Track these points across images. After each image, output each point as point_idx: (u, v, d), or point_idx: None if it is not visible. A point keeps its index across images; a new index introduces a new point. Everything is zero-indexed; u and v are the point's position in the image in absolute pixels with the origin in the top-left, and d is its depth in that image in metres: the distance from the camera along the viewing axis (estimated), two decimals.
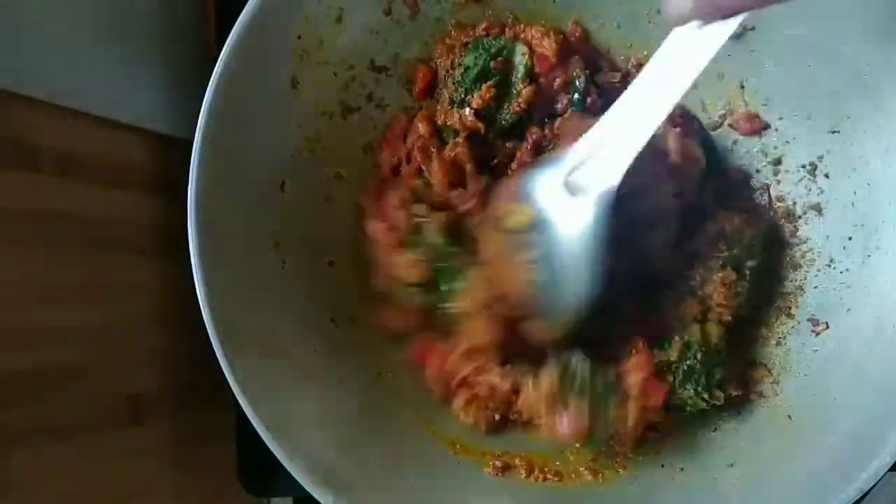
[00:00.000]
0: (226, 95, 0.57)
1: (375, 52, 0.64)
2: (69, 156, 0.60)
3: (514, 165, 0.64)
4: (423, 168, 0.64)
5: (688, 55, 0.47)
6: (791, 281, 0.62)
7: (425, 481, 0.59)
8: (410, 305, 0.61)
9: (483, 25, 0.64)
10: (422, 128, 0.64)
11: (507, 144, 0.64)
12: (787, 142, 0.63)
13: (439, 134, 0.64)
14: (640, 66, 0.66)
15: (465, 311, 0.59)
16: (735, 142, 0.65)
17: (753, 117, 0.63)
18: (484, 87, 0.61)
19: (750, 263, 0.59)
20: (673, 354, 0.58)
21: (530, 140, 0.63)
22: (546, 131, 0.63)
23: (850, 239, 0.59)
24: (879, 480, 0.50)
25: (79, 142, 0.61)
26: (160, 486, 0.68)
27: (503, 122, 0.63)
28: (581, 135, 0.53)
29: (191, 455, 0.72)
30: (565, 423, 0.56)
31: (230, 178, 0.58)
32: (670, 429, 0.61)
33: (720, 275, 0.59)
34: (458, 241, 0.60)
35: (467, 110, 0.61)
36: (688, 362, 0.58)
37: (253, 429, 0.54)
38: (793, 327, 0.61)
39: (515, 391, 0.60)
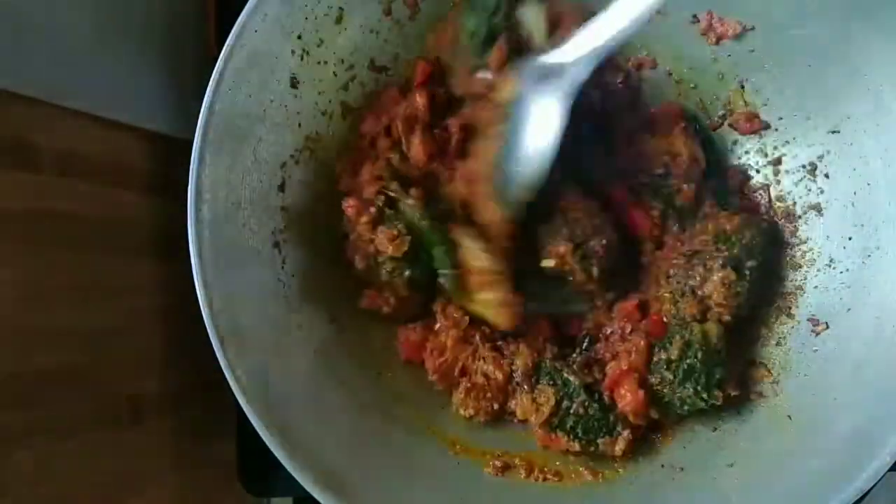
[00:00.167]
0: (226, 95, 0.57)
1: (375, 52, 0.64)
2: (69, 156, 0.60)
3: None
4: (403, 139, 0.64)
5: None
6: (791, 281, 0.62)
7: (425, 481, 0.59)
8: (393, 284, 0.62)
9: None
10: (419, 101, 0.63)
11: None
12: (787, 142, 0.63)
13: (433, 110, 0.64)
14: (640, 66, 0.66)
15: (469, 191, 0.62)
16: (735, 142, 0.65)
17: (753, 117, 0.63)
18: (495, 47, 0.60)
19: (750, 263, 0.59)
20: (673, 353, 0.58)
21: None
22: None
23: (850, 239, 0.59)
24: (879, 480, 0.49)
25: (79, 142, 0.61)
26: (160, 486, 0.68)
27: None
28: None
29: (191, 455, 0.72)
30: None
31: (230, 178, 0.58)
32: (670, 429, 0.61)
33: (720, 275, 0.59)
34: (434, 215, 0.62)
35: (484, 73, 0.60)
36: (688, 361, 0.58)
37: (253, 429, 0.54)
38: (793, 327, 0.61)
39: (509, 382, 0.62)
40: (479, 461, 0.61)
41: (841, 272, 0.60)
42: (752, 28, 0.61)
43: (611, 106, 0.65)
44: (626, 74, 0.65)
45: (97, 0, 0.63)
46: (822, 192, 0.61)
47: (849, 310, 0.58)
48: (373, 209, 0.61)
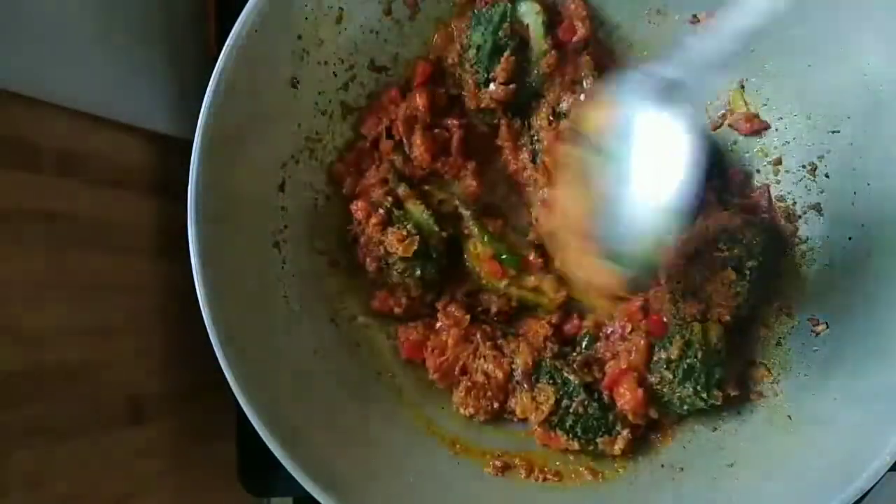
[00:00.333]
0: (226, 95, 0.57)
1: (375, 52, 0.64)
2: (69, 156, 0.60)
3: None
4: (405, 140, 0.64)
5: None
6: (791, 281, 0.62)
7: (425, 481, 0.59)
8: (405, 285, 0.62)
9: None
10: (420, 101, 0.64)
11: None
12: (786, 142, 0.63)
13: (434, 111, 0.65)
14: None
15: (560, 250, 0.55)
16: (735, 142, 0.65)
17: (753, 117, 0.63)
18: (502, 59, 0.61)
19: (750, 263, 0.59)
20: (673, 353, 0.58)
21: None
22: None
23: (850, 239, 0.59)
24: (879, 480, 0.49)
25: (79, 142, 0.61)
26: (160, 486, 0.68)
27: (532, 85, 0.63)
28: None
29: (191, 455, 0.72)
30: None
31: (230, 178, 0.58)
32: (670, 429, 0.61)
33: (720, 275, 0.59)
34: (440, 214, 0.63)
35: (493, 86, 0.61)
36: (688, 361, 0.58)
37: (253, 429, 0.55)
38: (793, 327, 0.61)
39: (509, 380, 0.62)
40: (479, 461, 0.61)
41: (841, 272, 0.60)
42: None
43: None
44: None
45: (98, 0, 0.63)
46: (822, 192, 0.61)
47: (849, 310, 0.58)
48: (381, 211, 0.61)
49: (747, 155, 0.65)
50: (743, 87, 0.63)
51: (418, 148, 0.63)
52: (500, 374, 0.62)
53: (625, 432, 0.59)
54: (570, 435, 0.59)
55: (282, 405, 0.57)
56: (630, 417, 0.59)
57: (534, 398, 0.60)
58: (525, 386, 0.61)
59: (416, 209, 0.62)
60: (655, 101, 0.45)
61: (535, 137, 0.63)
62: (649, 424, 0.60)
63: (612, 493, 0.59)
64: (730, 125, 0.64)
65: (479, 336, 0.63)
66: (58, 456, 0.56)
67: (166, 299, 0.69)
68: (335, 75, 0.64)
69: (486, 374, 0.62)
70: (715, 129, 0.65)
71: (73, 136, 0.61)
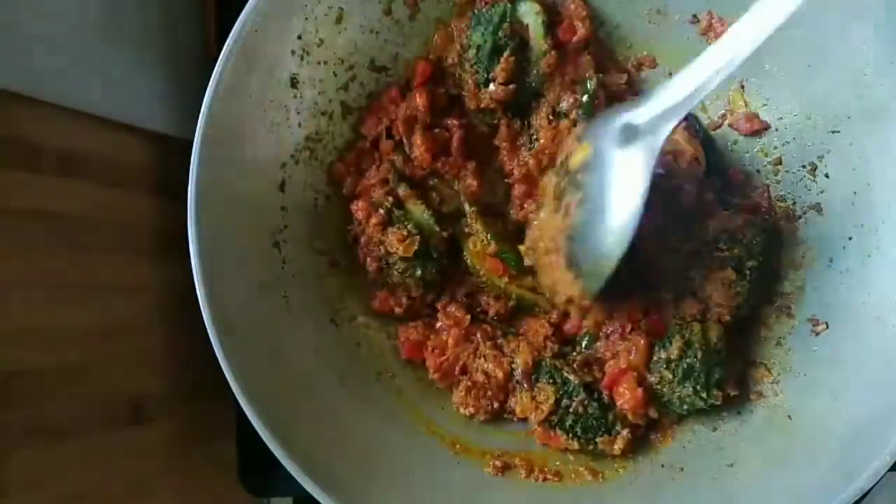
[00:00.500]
0: (226, 95, 0.57)
1: (375, 52, 0.64)
2: (69, 156, 0.60)
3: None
4: (405, 140, 0.64)
5: (756, 18, 0.47)
6: (791, 281, 0.62)
7: (425, 481, 0.59)
8: (405, 285, 0.62)
9: None
10: (420, 101, 0.64)
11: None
12: (786, 142, 0.63)
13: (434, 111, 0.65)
14: (640, 66, 0.66)
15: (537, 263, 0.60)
16: (735, 142, 0.65)
17: (753, 117, 0.63)
18: (502, 60, 0.61)
19: (750, 263, 0.59)
20: (673, 352, 0.58)
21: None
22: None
23: (850, 239, 0.59)
24: (879, 480, 0.49)
25: (79, 142, 0.61)
26: (160, 486, 0.68)
27: (532, 85, 0.63)
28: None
29: (191, 455, 0.72)
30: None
31: (230, 178, 0.58)
32: (670, 429, 0.61)
33: (720, 275, 0.59)
34: (440, 214, 0.63)
35: (492, 86, 0.61)
36: (687, 360, 0.58)
37: (253, 429, 0.54)
38: (793, 327, 0.61)
39: (509, 380, 0.62)
40: (479, 461, 0.61)
41: (841, 272, 0.60)
42: None
43: None
44: (629, 75, 0.65)
45: (98, 1, 0.63)
46: (822, 192, 0.61)
47: (849, 310, 0.58)
48: (381, 211, 0.61)
49: (747, 155, 0.65)
50: (743, 87, 0.63)
51: (418, 148, 0.63)
52: (500, 374, 0.62)
53: (624, 432, 0.59)
54: (570, 434, 0.59)
55: (282, 405, 0.57)
56: (630, 417, 0.59)
57: (534, 398, 0.60)
58: (525, 385, 0.61)
59: (417, 209, 0.62)
60: (618, 142, 0.52)
61: (535, 136, 0.63)
62: (649, 424, 0.60)
63: (612, 493, 0.59)
64: (730, 125, 0.64)
65: (479, 336, 0.63)
66: (58, 456, 0.56)
67: (166, 299, 0.69)
68: (335, 75, 0.64)
69: (486, 373, 0.62)
70: (715, 129, 0.65)
71: (73, 136, 0.61)
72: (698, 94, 0.50)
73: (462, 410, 0.63)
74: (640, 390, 0.58)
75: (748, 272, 0.59)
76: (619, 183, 0.52)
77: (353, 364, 0.63)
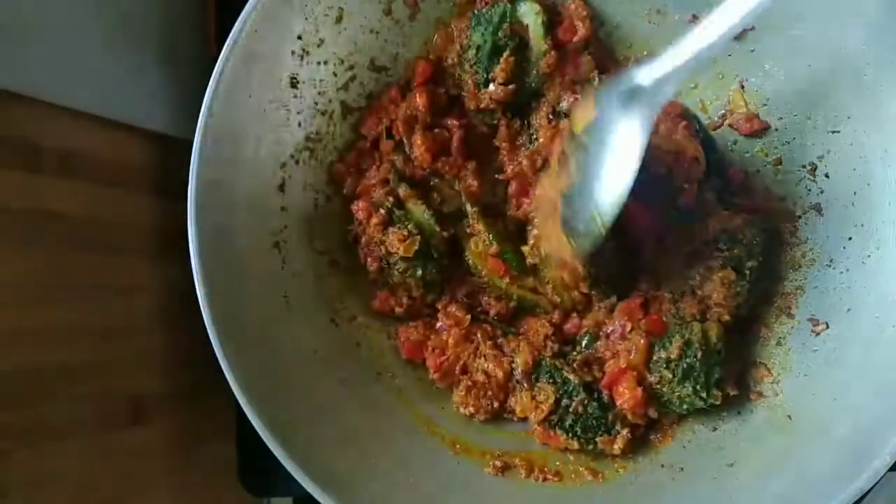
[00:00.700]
0: (226, 95, 0.57)
1: (375, 52, 0.64)
2: (69, 156, 0.60)
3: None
4: (405, 140, 0.64)
5: None
6: (791, 281, 0.62)
7: (425, 481, 0.59)
8: (406, 285, 0.62)
9: None
10: (420, 101, 0.64)
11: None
12: (786, 142, 0.63)
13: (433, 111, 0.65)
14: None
15: (539, 224, 0.61)
16: (735, 142, 0.65)
17: (753, 117, 0.63)
18: (502, 60, 0.61)
19: (750, 263, 0.59)
20: (673, 352, 0.58)
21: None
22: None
23: (850, 239, 0.59)
24: (879, 480, 0.49)
25: (79, 142, 0.61)
26: (160, 486, 0.68)
27: (532, 85, 0.63)
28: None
29: (191, 455, 0.72)
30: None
31: (230, 178, 0.58)
32: (670, 429, 0.61)
33: (720, 275, 0.59)
34: (441, 214, 0.63)
35: (492, 86, 0.62)
36: (687, 360, 0.58)
37: (253, 429, 0.54)
38: (793, 327, 0.61)
39: (509, 380, 0.62)
40: (479, 461, 0.61)
41: (841, 272, 0.60)
42: (752, 28, 0.61)
43: None
44: None
45: (97, 0, 0.63)
46: (822, 192, 0.61)
47: (849, 310, 0.58)
48: (382, 211, 0.61)
49: (747, 155, 0.65)
50: (743, 87, 0.63)
51: (418, 148, 0.63)
52: (500, 374, 0.62)
53: (624, 432, 0.59)
54: (570, 434, 0.59)
55: (282, 405, 0.57)
56: (629, 417, 0.59)
57: (533, 397, 0.60)
58: (525, 385, 0.61)
59: (417, 209, 0.62)
60: (622, 103, 0.52)
61: (534, 136, 0.63)
62: (649, 424, 0.60)
63: (612, 493, 0.59)
64: (730, 125, 0.64)
65: (479, 335, 0.63)
66: (58, 456, 0.56)
67: (166, 299, 0.69)
68: (335, 75, 0.64)
69: (486, 373, 0.62)
70: (715, 129, 0.65)
71: (73, 136, 0.61)
72: (704, 54, 0.48)
73: (462, 410, 0.63)
74: (639, 390, 0.58)
75: (748, 272, 0.59)
76: (617, 142, 0.52)
77: (353, 364, 0.63)
